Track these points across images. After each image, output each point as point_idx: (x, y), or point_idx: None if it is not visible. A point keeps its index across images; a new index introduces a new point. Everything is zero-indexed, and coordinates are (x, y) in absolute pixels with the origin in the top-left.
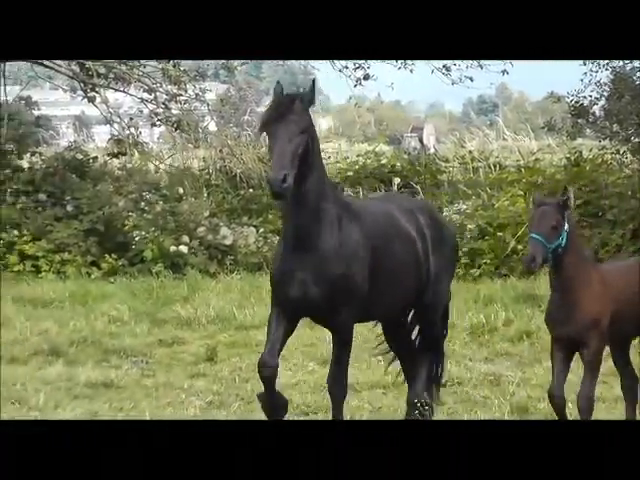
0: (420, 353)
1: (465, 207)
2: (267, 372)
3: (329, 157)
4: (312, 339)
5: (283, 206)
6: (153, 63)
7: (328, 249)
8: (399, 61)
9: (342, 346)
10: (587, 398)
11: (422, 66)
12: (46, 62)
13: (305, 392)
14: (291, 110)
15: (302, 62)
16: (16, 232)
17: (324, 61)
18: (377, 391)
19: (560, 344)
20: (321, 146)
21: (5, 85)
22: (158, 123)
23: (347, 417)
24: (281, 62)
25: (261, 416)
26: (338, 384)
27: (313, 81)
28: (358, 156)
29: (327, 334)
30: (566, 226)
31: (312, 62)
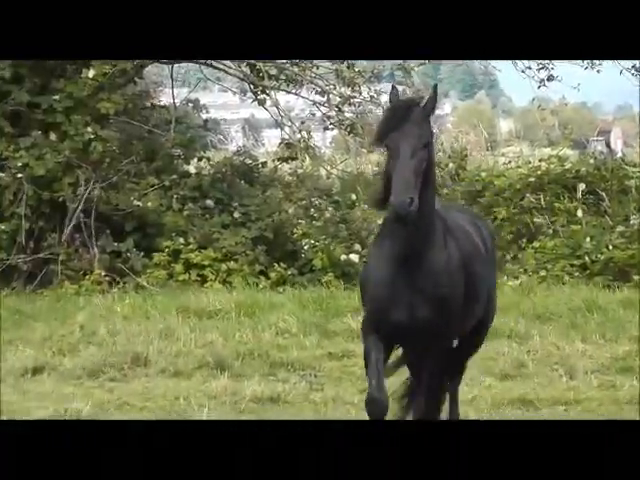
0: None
1: None
2: (379, 411)
3: (509, 162)
4: (491, 352)
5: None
6: (326, 64)
7: (438, 268)
8: (585, 61)
9: (436, 373)
10: None
11: (610, 67)
12: (215, 63)
13: (482, 409)
14: (412, 120)
15: (483, 62)
16: (182, 240)
17: (506, 61)
18: (558, 408)
19: None
20: (503, 150)
21: (173, 87)
22: (331, 127)
23: None
24: (460, 62)
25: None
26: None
27: (435, 86)
28: (541, 161)
29: (506, 348)
30: None
31: (493, 62)
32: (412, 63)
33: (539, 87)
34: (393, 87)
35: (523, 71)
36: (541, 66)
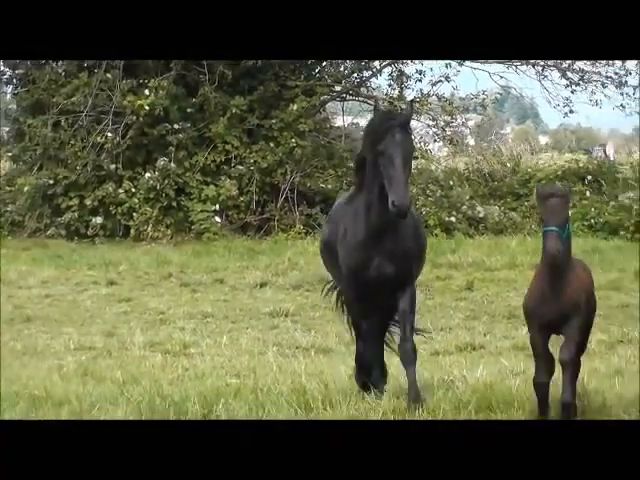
0: None
1: (632, 195)
2: None
3: (545, 162)
4: None
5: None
6: (437, 102)
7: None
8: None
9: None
10: None
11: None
12: (368, 101)
13: None
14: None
15: (529, 101)
16: None
17: (544, 101)
18: None
19: None
20: (541, 155)
21: (343, 116)
22: (438, 139)
23: None
24: (515, 101)
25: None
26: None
27: (411, 102)
28: (564, 162)
29: None
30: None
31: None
32: (487, 100)
33: (564, 117)
34: (376, 101)
35: (554, 107)
36: (564, 104)
